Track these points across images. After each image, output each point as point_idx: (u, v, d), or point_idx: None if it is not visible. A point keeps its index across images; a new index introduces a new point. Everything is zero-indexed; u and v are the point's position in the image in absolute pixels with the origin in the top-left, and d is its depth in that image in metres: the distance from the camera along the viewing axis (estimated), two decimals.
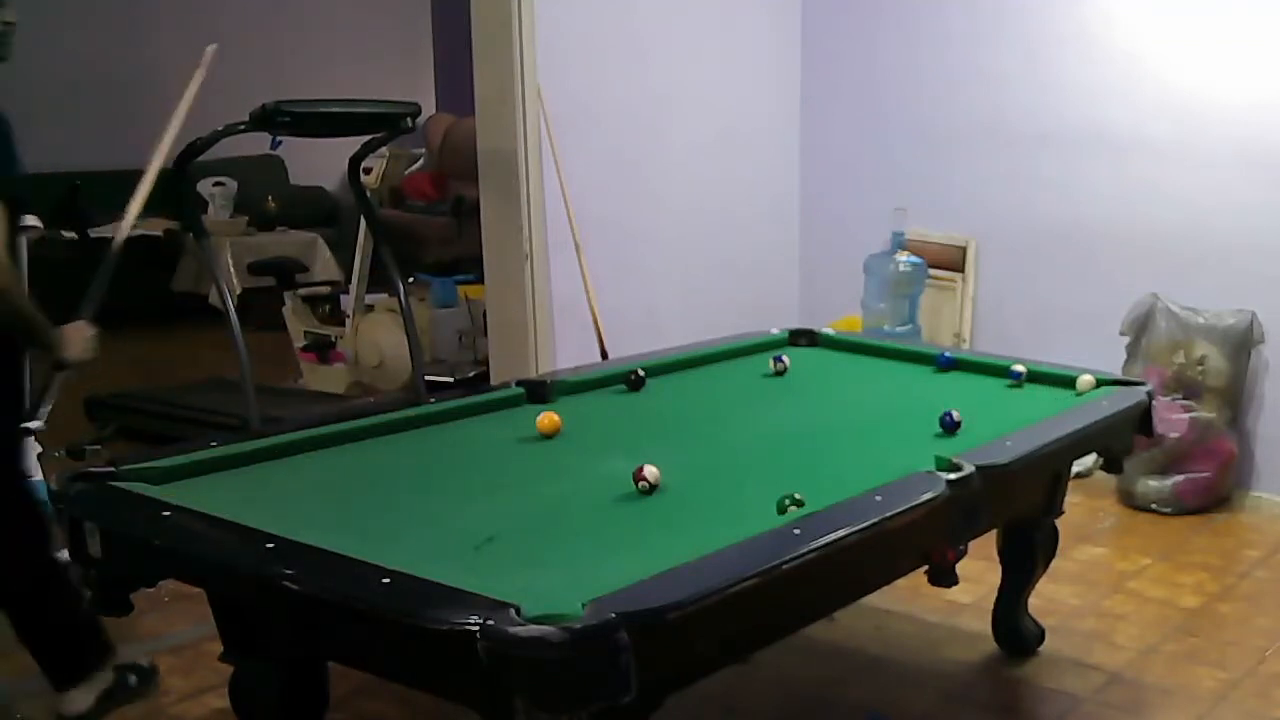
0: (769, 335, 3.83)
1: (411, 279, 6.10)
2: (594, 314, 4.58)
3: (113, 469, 2.35)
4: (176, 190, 5.29)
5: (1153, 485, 4.54)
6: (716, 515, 2.22)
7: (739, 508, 2.24)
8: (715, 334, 3.91)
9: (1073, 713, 3.08)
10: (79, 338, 2.92)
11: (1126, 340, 4.68)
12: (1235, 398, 4.58)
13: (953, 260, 5.27)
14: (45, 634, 2.90)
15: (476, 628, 1.63)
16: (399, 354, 5.51)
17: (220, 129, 4.04)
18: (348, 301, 6.15)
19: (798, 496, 2.19)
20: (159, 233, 8.22)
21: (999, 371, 3.37)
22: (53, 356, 2.88)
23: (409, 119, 4.34)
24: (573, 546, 2.12)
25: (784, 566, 1.94)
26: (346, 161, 4.86)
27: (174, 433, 4.96)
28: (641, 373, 3.26)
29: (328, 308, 6.55)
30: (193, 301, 7.82)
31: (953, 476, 2.34)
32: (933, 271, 5.19)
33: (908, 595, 3.54)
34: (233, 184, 8.47)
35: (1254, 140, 4.49)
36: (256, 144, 5.48)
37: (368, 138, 4.60)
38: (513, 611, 1.66)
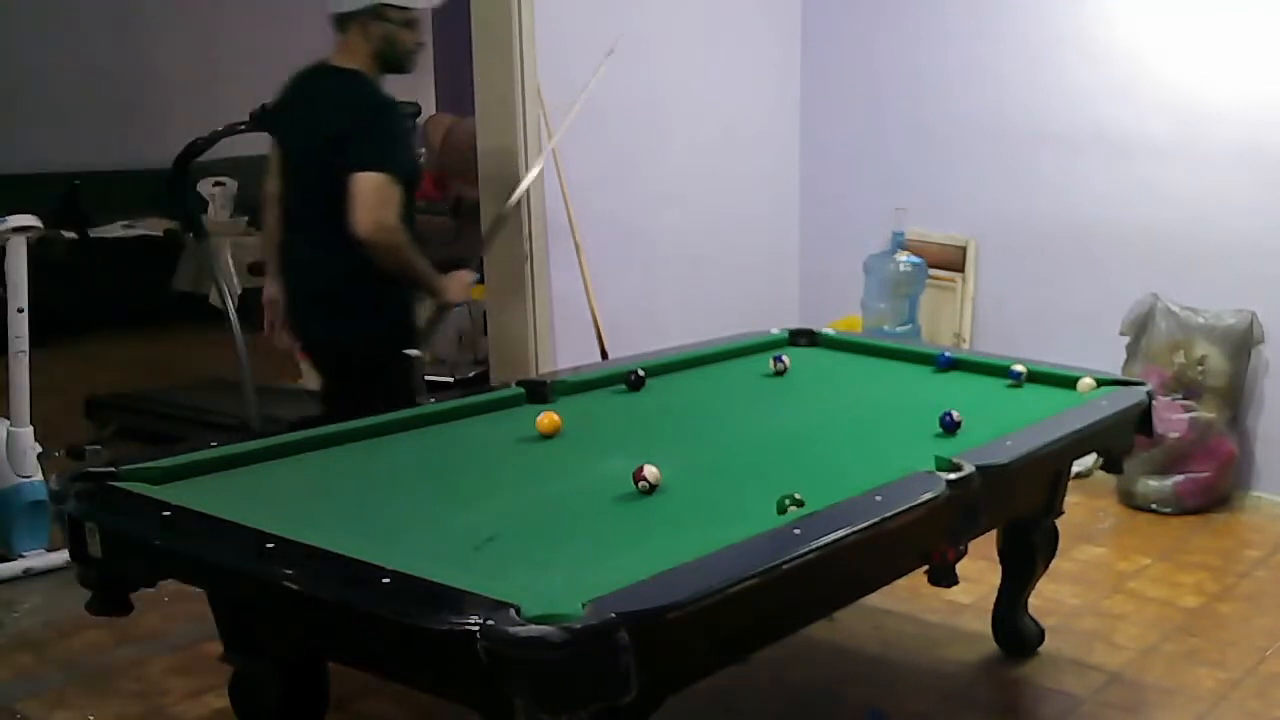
0: (769, 335, 3.83)
1: None
2: (594, 314, 4.58)
3: (113, 469, 2.35)
4: (176, 190, 5.31)
5: (1153, 485, 4.54)
6: (716, 515, 2.22)
7: (739, 508, 2.24)
8: (715, 334, 3.90)
9: (1073, 713, 3.08)
10: (458, 284, 3.42)
11: (1126, 340, 4.68)
12: (1235, 398, 4.58)
13: (953, 260, 5.27)
14: None
15: (476, 628, 1.63)
16: None
17: (220, 129, 4.04)
18: None
19: (798, 496, 2.19)
20: (159, 233, 8.23)
21: (999, 371, 3.37)
22: (437, 300, 3.41)
23: (409, 119, 4.33)
24: (573, 546, 2.12)
25: (784, 566, 1.94)
26: None
27: (174, 433, 4.96)
28: (641, 373, 3.26)
29: None
30: (193, 301, 7.82)
31: (953, 476, 2.34)
32: (933, 271, 5.19)
33: (908, 595, 3.54)
34: (233, 184, 8.46)
35: (1254, 140, 4.49)
36: (256, 144, 5.47)
37: None
38: (513, 611, 1.66)
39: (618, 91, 4.84)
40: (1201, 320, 4.55)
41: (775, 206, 5.63)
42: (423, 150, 7.75)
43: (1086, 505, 4.57)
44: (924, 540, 2.38)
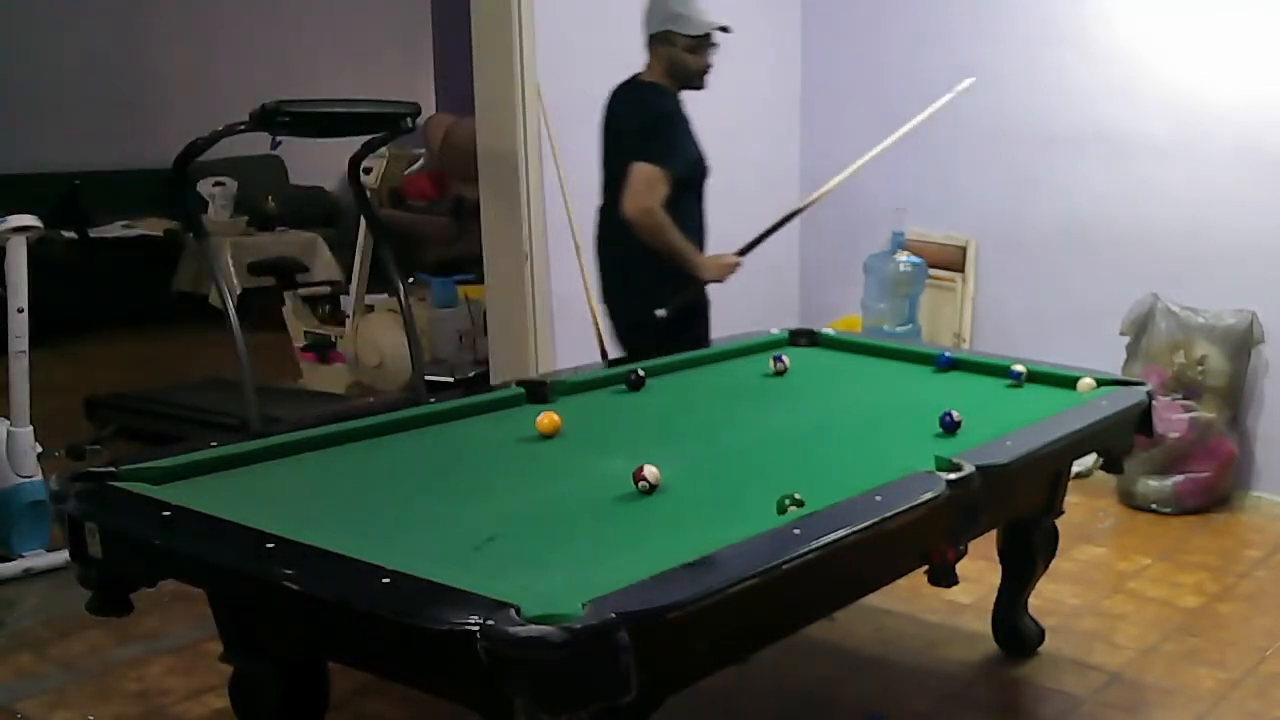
0: (769, 335, 3.83)
1: (411, 279, 6.10)
2: (594, 314, 4.58)
3: (113, 469, 2.35)
4: (176, 190, 5.31)
5: (1153, 485, 4.54)
6: (716, 515, 2.22)
7: (739, 508, 2.23)
8: (715, 334, 3.91)
9: (1073, 713, 3.08)
10: (716, 264, 3.84)
11: (1126, 340, 4.69)
12: (1235, 398, 4.58)
13: (953, 260, 5.27)
14: None
15: (476, 628, 1.63)
16: (399, 354, 5.51)
17: (220, 129, 4.03)
18: (348, 301, 6.15)
19: (798, 496, 2.19)
20: (159, 233, 8.23)
21: (999, 371, 3.37)
22: (694, 276, 3.77)
23: (409, 119, 4.33)
24: (573, 546, 2.11)
25: (784, 566, 1.94)
26: (346, 161, 4.86)
27: (174, 433, 4.96)
28: (641, 373, 3.26)
29: (328, 308, 6.55)
30: (193, 301, 7.83)
31: (953, 476, 2.34)
32: (933, 271, 5.19)
33: (908, 595, 3.54)
34: (233, 184, 8.47)
35: (1254, 140, 4.49)
36: (256, 144, 5.47)
37: (368, 138, 4.60)
38: (513, 611, 1.66)
39: None
40: (1201, 320, 4.55)
41: (775, 206, 5.61)
42: (422, 150, 7.77)
43: (1086, 505, 4.57)
44: (924, 540, 2.38)
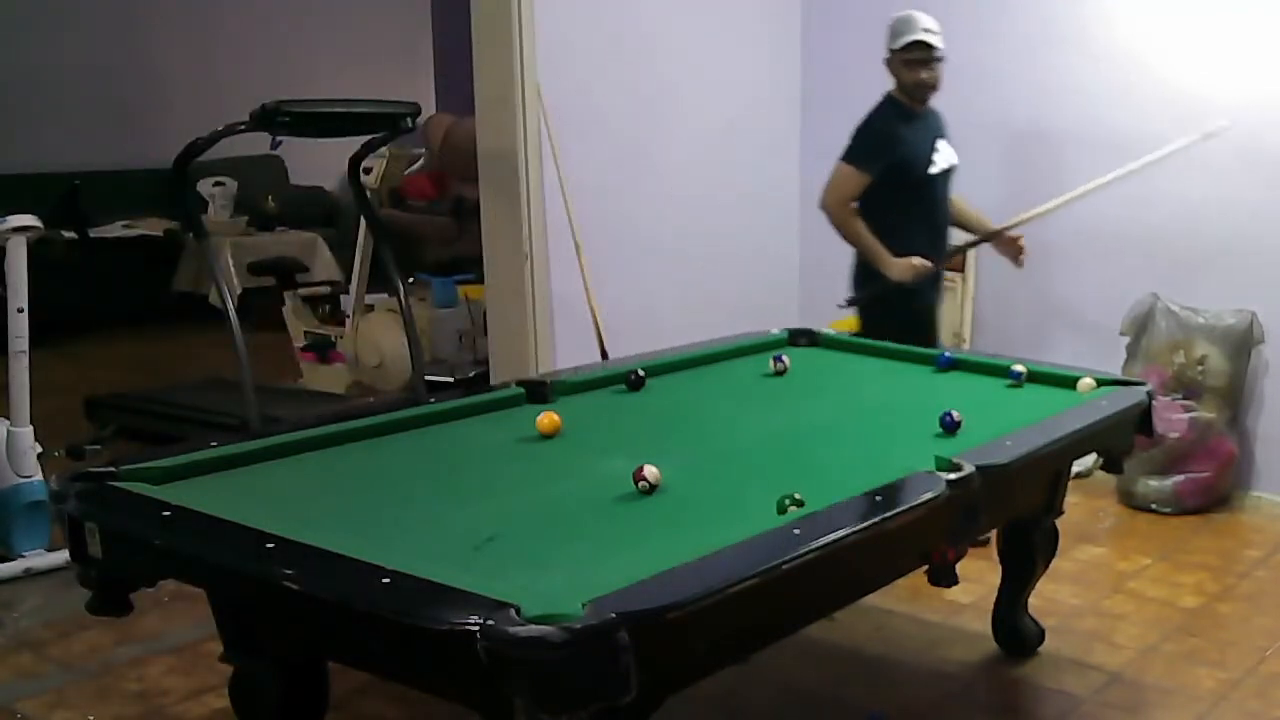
0: (769, 335, 3.83)
1: (411, 279, 6.10)
2: (594, 314, 4.58)
3: (113, 469, 2.35)
4: (176, 190, 5.30)
5: (1153, 485, 4.54)
6: (716, 515, 2.22)
7: (739, 508, 2.23)
8: (715, 334, 3.90)
9: (1073, 713, 3.08)
10: (903, 265, 3.96)
11: (1126, 340, 4.68)
12: (1235, 398, 4.58)
13: (953, 260, 5.26)
14: None
15: (476, 628, 1.63)
16: (399, 354, 5.51)
17: (220, 129, 4.03)
18: (348, 301, 6.16)
19: (798, 496, 2.19)
20: (159, 233, 8.23)
21: (999, 371, 3.37)
22: (883, 274, 3.98)
23: (409, 119, 4.33)
24: (573, 546, 2.11)
25: (784, 566, 1.94)
26: (346, 161, 4.85)
27: (174, 433, 4.96)
28: (641, 373, 3.26)
29: (328, 308, 6.55)
30: (193, 301, 7.83)
31: (953, 476, 2.34)
32: None
33: (908, 595, 3.54)
34: (233, 184, 8.47)
35: (1254, 140, 4.48)
36: (256, 144, 5.48)
37: (368, 138, 4.60)
38: (513, 611, 1.66)
39: (617, 92, 4.84)
40: (1201, 320, 4.55)
41: (775, 206, 5.62)
42: (422, 150, 7.76)
43: (1086, 505, 4.57)
44: (924, 540, 2.38)
